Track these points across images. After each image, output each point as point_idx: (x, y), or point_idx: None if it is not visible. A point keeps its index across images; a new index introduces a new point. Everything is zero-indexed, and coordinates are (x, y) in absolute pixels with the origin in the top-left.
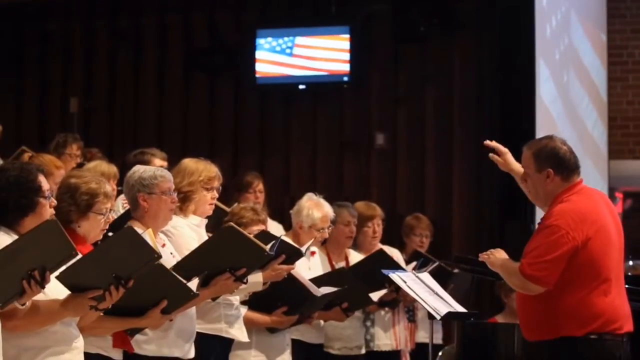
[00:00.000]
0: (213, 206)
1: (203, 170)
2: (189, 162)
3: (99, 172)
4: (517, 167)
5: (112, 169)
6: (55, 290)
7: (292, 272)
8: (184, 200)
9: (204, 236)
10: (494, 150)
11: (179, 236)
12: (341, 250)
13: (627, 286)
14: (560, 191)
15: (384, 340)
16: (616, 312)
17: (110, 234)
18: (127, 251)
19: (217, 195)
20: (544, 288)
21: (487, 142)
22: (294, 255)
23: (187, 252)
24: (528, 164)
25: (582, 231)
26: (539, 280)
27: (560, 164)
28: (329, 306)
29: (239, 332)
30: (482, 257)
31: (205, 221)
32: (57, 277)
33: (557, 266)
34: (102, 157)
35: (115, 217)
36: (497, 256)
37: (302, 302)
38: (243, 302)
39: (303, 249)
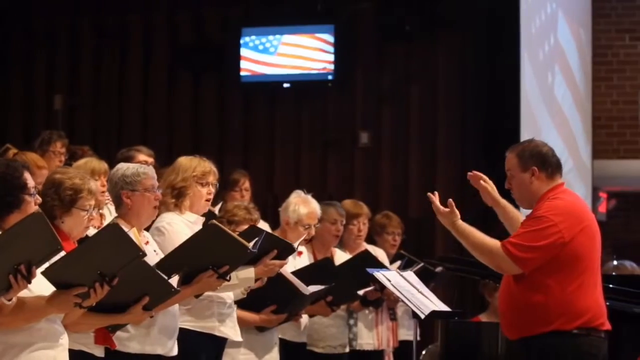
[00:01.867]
0: (209, 203)
1: (197, 165)
2: (183, 160)
3: (90, 168)
4: (499, 199)
5: (103, 165)
6: (40, 286)
7: (281, 270)
8: (178, 196)
9: None
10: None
11: (173, 232)
12: (327, 248)
13: (611, 286)
14: (545, 190)
15: (367, 340)
16: (601, 308)
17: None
18: (112, 248)
19: (213, 192)
20: (519, 270)
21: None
22: (285, 250)
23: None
24: (512, 165)
25: (570, 227)
26: (521, 261)
27: (544, 161)
28: (313, 300)
29: (232, 331)
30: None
31: (202, 219)
32: (43, 273)
33: (541, 254)
34: (92, 154)
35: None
36: (452, 218)
37: (290, 300)
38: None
39: (295, 244)
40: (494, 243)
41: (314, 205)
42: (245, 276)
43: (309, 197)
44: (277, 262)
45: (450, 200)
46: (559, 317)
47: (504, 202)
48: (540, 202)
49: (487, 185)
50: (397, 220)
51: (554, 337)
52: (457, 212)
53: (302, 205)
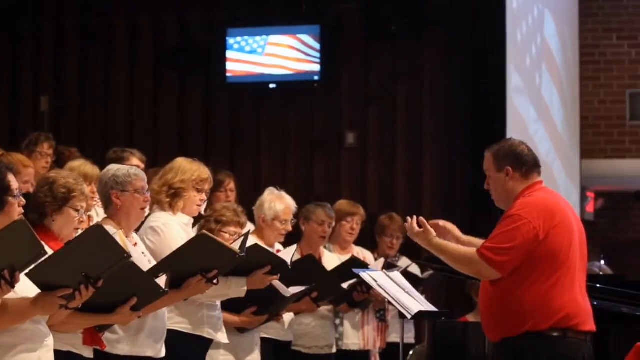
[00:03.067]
0: (200, 208)
1: (196, 170)
2: (183, 162)
3: (83, 172)
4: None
5: (96, 171)
6: (25, 288)
7: None
8: (174, 197)
9: (192, 236)
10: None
11: (169, 234)
12: (314, 250)
13: (598, 285)
14: (521, 189)
15: (353, 340)
16: (578, 307)
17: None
18: (95, 250)
19: (205, 198)
20: (499, 275)
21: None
22: (279, 267)
23: (174, 249)
24: (489, 165)
25: (543, 222)
26: (498, 264)
27: (518, 160)
28: (298, 297)
29: (220, 334)
30: (414, 231)
31: (192, 221)
32: (27, 275)
33: (517, 254)
34: (80, 156)
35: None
36: (427, 237)
37: (271, 302)
38: None
39: (288, 261)
40: (471, 251)
41: (289, 201)
42: (238, 287)
43: (283, 193)
44: (269, 276)
45: (422, 218)
46: (532, 317)
47: (465, 238)
48: (515, 201)
49: (446, 225)
50: (398, 223)
51: (528, 339)
52: (432, 230)
53: (277, 201)
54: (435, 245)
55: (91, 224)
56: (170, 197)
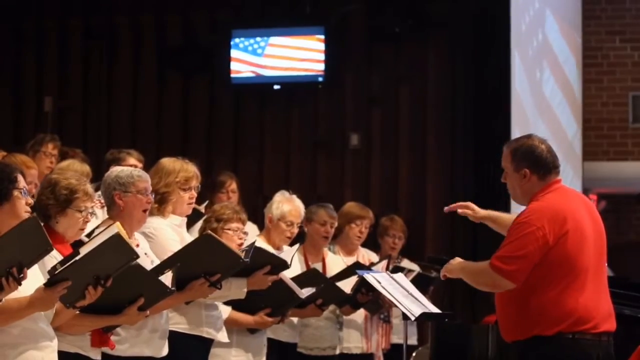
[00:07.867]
0: (192, 206)
1: (180, 170)
2: (166, 162)
3: (72, 171)
4: (483, 213)
5: (85, 168)
6: (27, 289)
7: (280, 274)
8: (161, 202)
9: (186, 236)
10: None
11: (161, 238)
12: (318, 250)
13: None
14: (536, 190)
15: (355, 343)
16: (590, 311)
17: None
18: (111, 254)
19: (195, 195)
20: (513, 284)
21: (447, 208)
22: (279, 266)
23: (169, 254)
24: (506, 162)
25: (554, 228)
26: (510, 274)
27: (536, 163)
28: (303, 304)
29: (220, 333)
30: (443, 273)
31: (185, 220)
32: (52, 275)
33: (528, 262)
34: (83, 157)
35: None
36: (453, 263)
37: (286, 303)
38: (226, 302)
39: (288, 260)
40: (483, 264)
41: (298, 204)
42: (238, 288)
43: (294, 196)
44: (269, 276)
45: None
46: (540, 322)
47: (492, 214)
48: (529, 202)
49: (467, 210)
50: (400, 223)
51: (536, 342)
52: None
53: (285, 203)
54: (457, 267)
55: (90, 223)
56: (158, 202)
